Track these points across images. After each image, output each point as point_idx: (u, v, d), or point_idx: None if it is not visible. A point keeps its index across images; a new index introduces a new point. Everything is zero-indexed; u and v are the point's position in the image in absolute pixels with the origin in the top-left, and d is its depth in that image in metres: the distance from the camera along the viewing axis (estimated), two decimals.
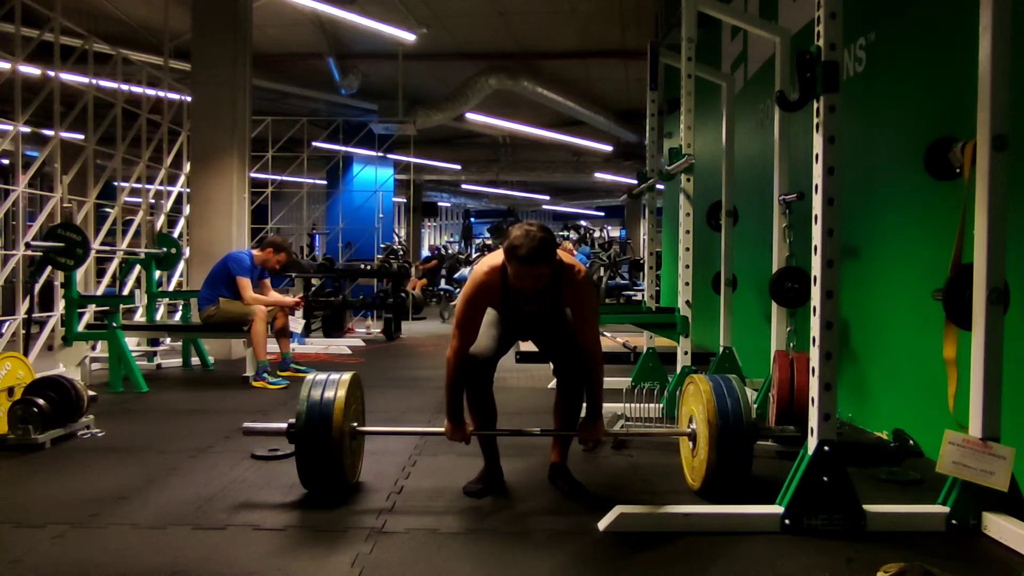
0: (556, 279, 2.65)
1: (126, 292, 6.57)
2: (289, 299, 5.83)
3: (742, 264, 4.67)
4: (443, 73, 10.60)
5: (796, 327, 3.79)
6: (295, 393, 4.94)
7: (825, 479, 2.36)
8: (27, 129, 6.39)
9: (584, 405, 2.83)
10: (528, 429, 2.90)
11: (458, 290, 12.13)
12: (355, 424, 2.85)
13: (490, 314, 2.88)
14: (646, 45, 5.21)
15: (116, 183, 7.57)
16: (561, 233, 17.82)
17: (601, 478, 3.02)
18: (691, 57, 3.95)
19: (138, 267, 6.90)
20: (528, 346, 6.10)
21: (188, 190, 7.92)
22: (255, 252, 5.60)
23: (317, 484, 2.74)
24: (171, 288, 7.71)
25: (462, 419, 2.79)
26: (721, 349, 4.34)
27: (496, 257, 2.69)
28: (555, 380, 2.94)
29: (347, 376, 2.81)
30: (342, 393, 2.71)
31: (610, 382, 5.01)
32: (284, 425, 2.71)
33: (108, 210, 7.65)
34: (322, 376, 2.81)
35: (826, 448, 2.37)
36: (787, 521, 2.36)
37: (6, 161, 7.77)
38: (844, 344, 4.01)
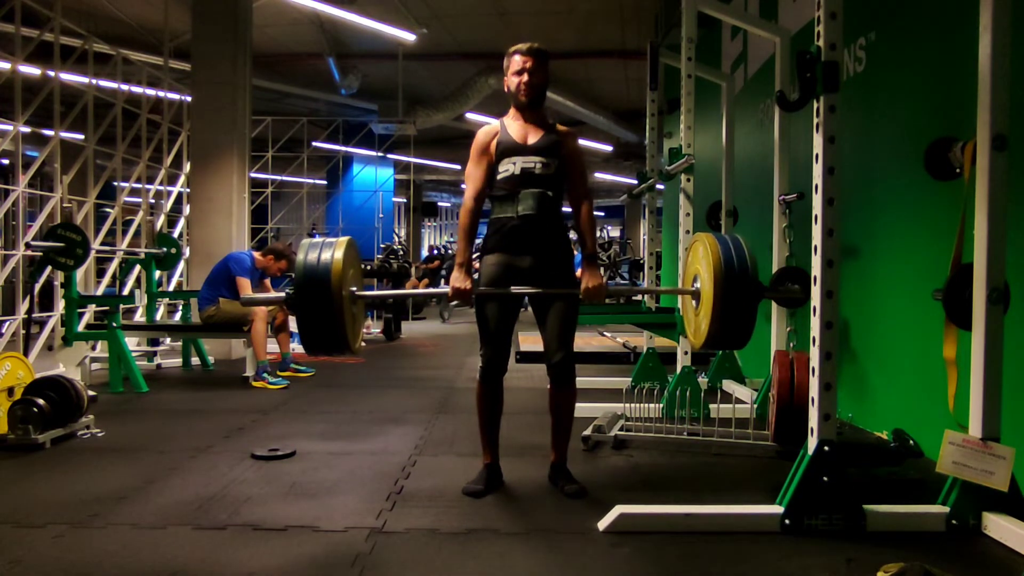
0: (549, 126, 2.86)
1: (126, 292, 6.57)
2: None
3: None
4: (443, 73, 10.60)
5: (796, 327, 3.79)
6: (296, 393, 4.98)
7: (825, 479, 2.36)
8: (27, 129, 6.39)
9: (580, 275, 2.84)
10: (529, 291, 2.80)
11: None
12: (354, 289, 2.71)
13: (490, 283, 2.83)
14: (646, 45, 5.21)
15: (116, 183, 7.58)
16: None
17: (601, 478, 3.02)
18: (691, 57, 3.95)
19: (138, 267, 6.91)
20: (528, 346, 6.11)
21: (188, 190, 7.92)
22: (256, 255, 5.61)
23: (320, 348, 2.63)
24: (171, 288, 7.71)
25: (471, 269, 2.82)
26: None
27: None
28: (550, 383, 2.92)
29: (343, 239, 2.67)
30: (339, 254, 2.56)
31: (610, 382, 5.04)
32: (283, 295, 2.61)
33: (108, 210, 7.65)
34: (317, 239, 2.67)
35: (826, 448, 2.37)
36: (787, 521, 2.36)
37: (6, 161, 7.76)
38: (844, 344, 4.01)
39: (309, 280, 2.53)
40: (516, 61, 2.80)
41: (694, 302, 2.74)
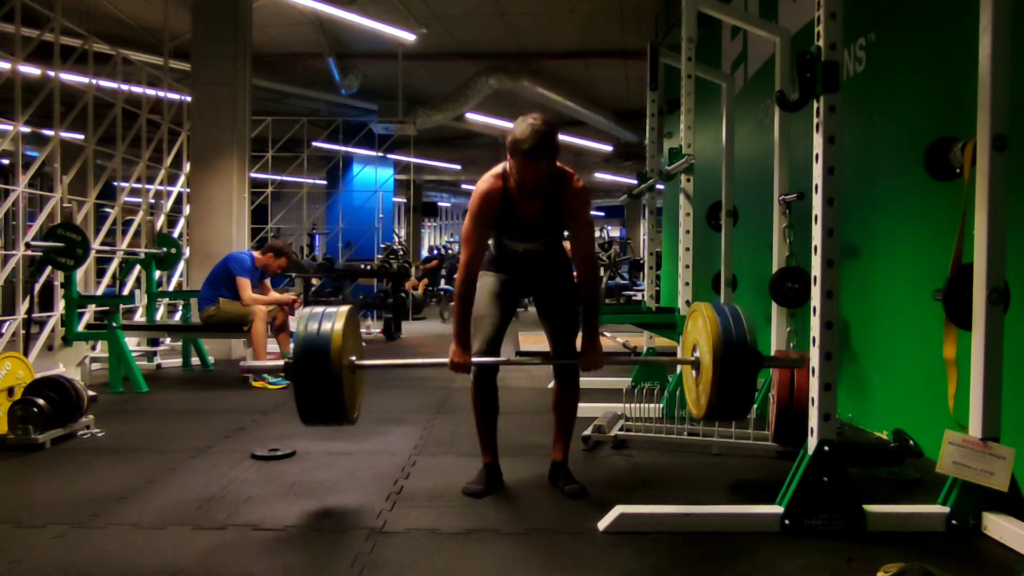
0: (556, 184, 2.66)
1: (126, 292, 6.57)
2: (287, 296, 5.83)
3: (742, 264, 4.68)
4: (443, 73, 10.60)
5: (796, 327, 3.78)
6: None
7: (825, 479, 2.36)
8: (27, 129, 6.39)
9: (581, 337, 2.81)
10: (530, 360, 2.84)
11: None
12: (353, 359, 2.73)
13: (488, 285, 2.85)
14: (646, 45, 5.21)
15: (116, 183, 7.58)
16: None
17: (601, 478, 3.02)
18: (691, 57, 3.95)
19: (138, 267, 6.90)
20: (528, 346, 6.09)
21: (188, 190, 7.92)
22: (256, 254, 5.61)
23: (318, 419, 2.65)
24: (171, 288, 7.71)
25: (468, 342, 2.74)
26: None
27: (496, 168, 2.72)
28: (553, 381, 2.93)
29: (344, 308, 2.68)
30: (339, 325, 2.58)
31: (610, 382, 5.04)
32: (282, 362, 2.63)
33: (108, 210, 7.65)
34: (318, 309, 2.68)
35: (826, 448, 2.37)
36: (787, 521, 2.36)
37: (6, 161, 7.76)
38: (844, 344, 4.01)
39: (308, 352, 2.54)
40: (521, 164, 2.52)
41: (694, 372, 2.78)
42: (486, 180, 2.71)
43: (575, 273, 2.87)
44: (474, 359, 2.75)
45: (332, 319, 2.60)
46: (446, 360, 2.72)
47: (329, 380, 2.53)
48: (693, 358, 2.77)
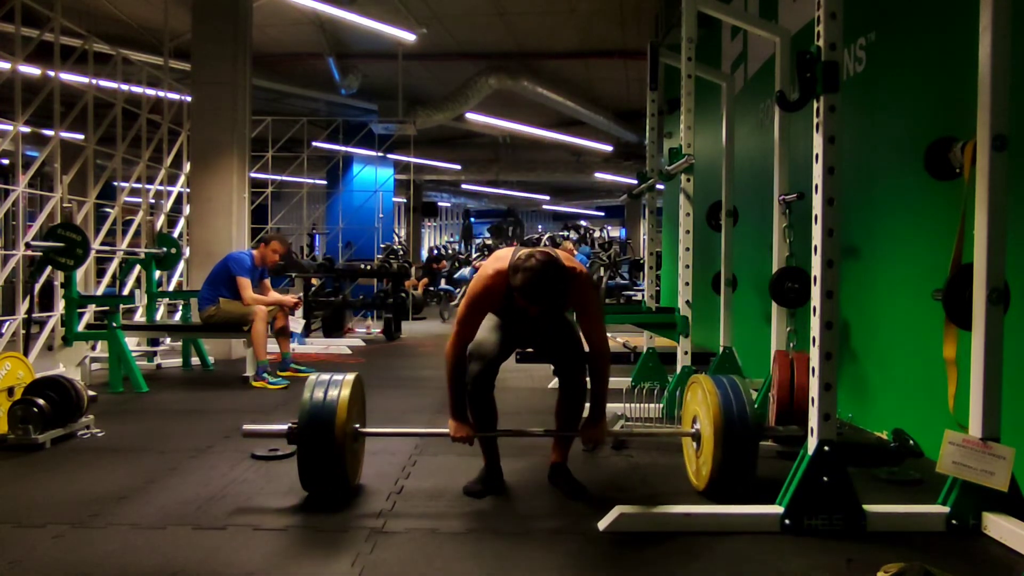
0: (560, 304, 2.69)
1: (126, 292, 6.57)
2: (288, 298, 5.83)
3: (742, 264, 4.68)
4: (443, 73, 10.60)
5: (796, 327, 3.78)
6: (295, 393, 4.96)
7: (825, 479, 2.36)
8: (27, 129, 6.39)
9: (587, 405, 2.83)
10: (531, 430, 2.91)
11: (458, 290, 12.15)
12: (357, 425, 2.83)
13: (493, 317, 2.89)
14: (646, 45, 5.21)
15: (116, 183, 7.57)
16: (561, 233, 17.86)
17: (601, 478, 3.02)
18: (691, 57, 3.95)
19: (138, 267, 6.90)
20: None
21: (188, 190, 7.92)
22: (254, 252, 5.61)
23: (319, 486, 2.73)
24: (171, 288, 7.71)
25: (466, 416, 2.78)
26: (721, 349, 4.34)
27: (503, 260, 2.67)
28: (556, 381, 2.94)
29: (350, 376, 2.79)
30: (345, 393, 2.68)
31: (610, 382, 5.03)
32: (285, 427, 2.69)
33: (108, 210, 7.65)
34: (325, 376, 2.78)
35: (826, 448, 2.37)
36: (787, 521, 2.36)
37: (6, 161, 7.76)
38: (844, 344, 4.01)
39: (313, 421, 2.62)
40: (523, 301, 2.56)
41: (694, 443, 2.82)
42: (489, 276, 2.69)
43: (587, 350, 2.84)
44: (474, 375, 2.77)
45: (339, 387, 2.70)
46: (447, 430, 2.77)
47: (331, 449, 2.62)
48: (693, 430, 2.81)
